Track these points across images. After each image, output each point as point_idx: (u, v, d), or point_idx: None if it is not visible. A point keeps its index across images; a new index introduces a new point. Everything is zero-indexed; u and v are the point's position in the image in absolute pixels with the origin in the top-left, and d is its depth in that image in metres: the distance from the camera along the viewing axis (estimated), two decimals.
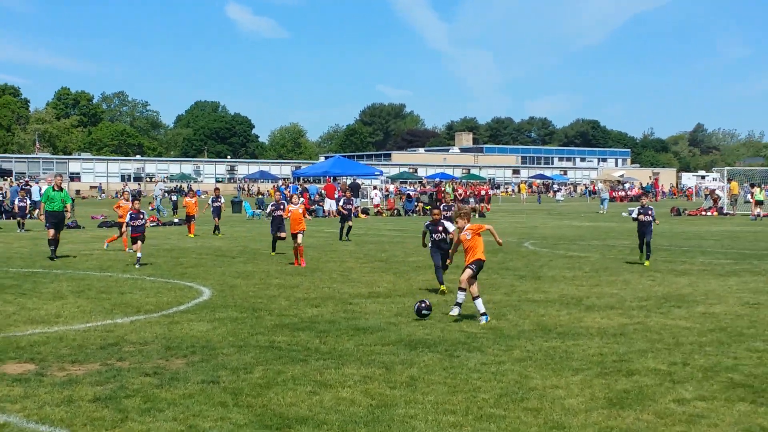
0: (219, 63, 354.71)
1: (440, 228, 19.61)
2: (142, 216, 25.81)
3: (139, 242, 25.33)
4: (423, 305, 15.85)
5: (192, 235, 37.36)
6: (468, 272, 15.41)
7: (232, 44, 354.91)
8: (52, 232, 27.34)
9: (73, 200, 48.54)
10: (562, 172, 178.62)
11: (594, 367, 11.79)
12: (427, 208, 68.12)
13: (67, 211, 28.83)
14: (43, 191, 51.23)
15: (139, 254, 25.10)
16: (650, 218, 25.99)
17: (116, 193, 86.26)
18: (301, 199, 39.66)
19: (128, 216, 26.10)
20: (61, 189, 28.39)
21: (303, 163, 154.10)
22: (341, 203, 38.92)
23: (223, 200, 41.75)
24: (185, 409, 9.58)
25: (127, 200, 31.75)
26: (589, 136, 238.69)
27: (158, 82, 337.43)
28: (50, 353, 12.68)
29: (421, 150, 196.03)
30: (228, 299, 18.35)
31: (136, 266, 24.48)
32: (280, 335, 14.14)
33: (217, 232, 39.18)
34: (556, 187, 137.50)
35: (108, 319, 15.74)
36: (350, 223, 37.07)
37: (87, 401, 9.91)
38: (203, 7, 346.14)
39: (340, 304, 17.56)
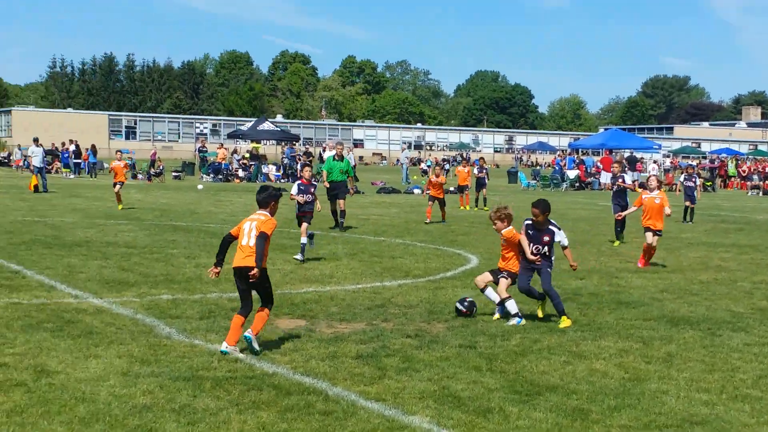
0: (500, 33, 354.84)
1: (545, 237, 13.76)
2: (312, 190, 20.04)
3: (304, 224, 19.50)
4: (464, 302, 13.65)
5: (463, 208, 37.35)
6: (503, 282, 13.59)
7: (514, 14, 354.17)
8: (333, 203, 26.27)
9: (354, 167, 48.90)
10: None
11: None
12: (708, 184, 65.59)
13: (349, 181, 27.25)
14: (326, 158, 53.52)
15: (302, 240, 19.27)
16: None
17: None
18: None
19: (296, 187, 20.16)
20: (341, 158, 27.23)
21: (582, 134, 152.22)
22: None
23: (487, 169, 40.96)
24: (440, 370, 9.94)
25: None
26: None
27: (440, 51, 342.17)
28: (320, 311, 13.40)
29: (706, 124, 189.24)
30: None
31: (297, 257, 19.02)
32: None
33: (479, 204, 38.13)
34: None
35: (377, 282, 16.40)
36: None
37: (350, 358, 10.46)
38: None
39: (606, 277, 17.49)
